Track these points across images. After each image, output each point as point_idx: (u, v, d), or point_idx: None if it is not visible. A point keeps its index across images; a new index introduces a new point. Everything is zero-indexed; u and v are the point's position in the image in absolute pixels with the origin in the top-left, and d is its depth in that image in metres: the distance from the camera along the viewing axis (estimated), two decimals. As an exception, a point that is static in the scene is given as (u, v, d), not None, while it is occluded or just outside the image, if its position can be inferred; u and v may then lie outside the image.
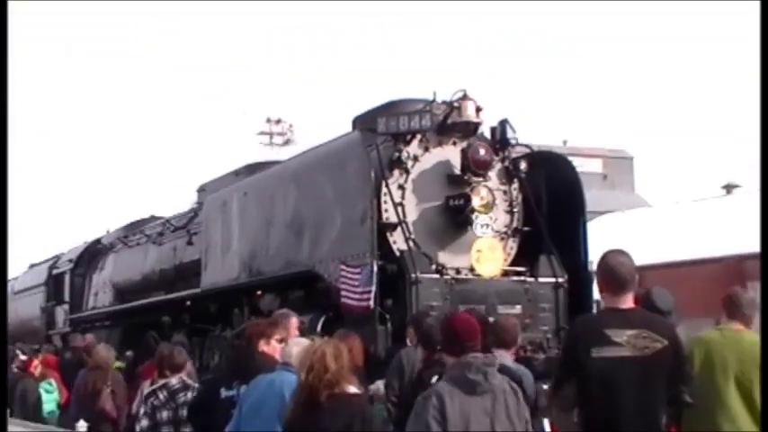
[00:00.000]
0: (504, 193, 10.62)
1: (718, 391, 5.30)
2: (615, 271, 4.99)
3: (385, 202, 9.85)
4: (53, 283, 21.48)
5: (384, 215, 9.83)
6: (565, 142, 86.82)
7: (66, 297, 20.47)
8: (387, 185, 9.83)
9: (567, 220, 10.60)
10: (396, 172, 10.03)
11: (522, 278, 10.11)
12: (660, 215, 40.14)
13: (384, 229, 9.78)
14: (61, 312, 20.75)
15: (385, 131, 10.06)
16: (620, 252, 5.24)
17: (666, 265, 30.53)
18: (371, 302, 9.01)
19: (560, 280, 10.10)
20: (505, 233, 10.54)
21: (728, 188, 41.60)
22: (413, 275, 9.22)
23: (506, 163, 10.68)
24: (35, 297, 22.79)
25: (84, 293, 19.73)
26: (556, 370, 5.21)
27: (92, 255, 20.04)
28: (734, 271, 28.50)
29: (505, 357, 6.38)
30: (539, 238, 10.51)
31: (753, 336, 5.49)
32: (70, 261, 20.73)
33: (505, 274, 10.19)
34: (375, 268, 9.10)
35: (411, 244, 9.77)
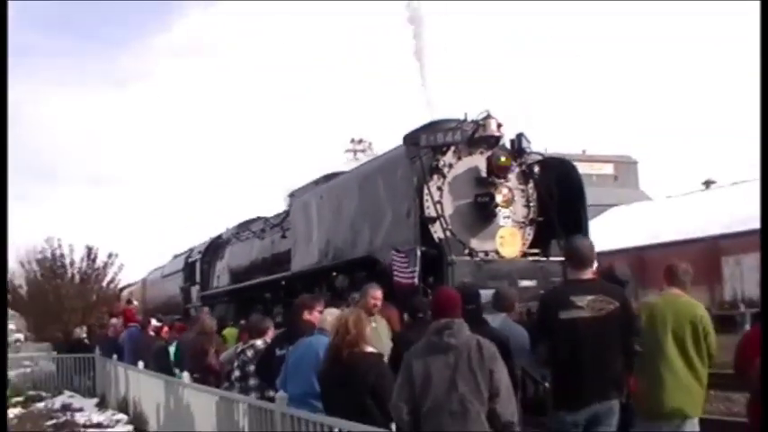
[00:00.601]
0: (522, 191, 10.28)
1: (658, 343, 5.26)
2: (579, 250, 5.21)
3: (426, 200, 9.54)
4: (188, 269, 21.62)
5: (426, 211, 9.52)
6: (584, 151, 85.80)
7: (198, 279, 20.57)
8: (428, 187, 9.53)
9: (572, 211, 10.13)
10: (435, 176, 9.72)
11: (537, 258, 9.73)
12: (656, 207, 39.23)
13: (426, 221, 9.46)
14: (194, 291, 20.87)
15: (426, 144, 9.77)
16: (583, 237, 5.74)
17: (659, 245, 29.77)
18: (416, 280, 8.71)
19: (568, 258, 9.61)
20: (524, 223, 10.22)
21: (708, 183, 40.89)
22: (449, 258, 8.91)
23: (523, 167, 10.30)
24: (176, 280, 22.99)
25: (210, 276, 19.77)
26: (533, 331, 5.35)
27: (215, 247, 20.05)
28: (711, 248, 27.81)
29: (499, 319, 6.22)
30: (550, 226, 10.08)
31: (687, 299, 5.46)
32: (200, 252, 20.83)
33: (524, 255, 9.87)
34: (418, 253, 8.81)
35: (448, 233, 9.51)
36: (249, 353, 7.55)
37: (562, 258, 9.61)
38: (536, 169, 10.30)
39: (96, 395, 14.06)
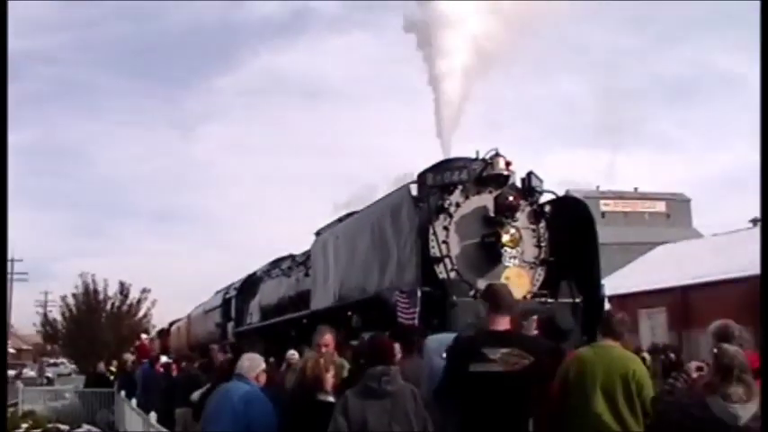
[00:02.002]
0: (533, 230, 9.97)
1: (586, 399, 4.76)
2: (497, 296, 4.91)
3: (432, 240, 9.36)
4: (225, 306, 21.77)
5: (432, 251, 9.33)
6: (636, 189, 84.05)
7: (233, 315, 20.68)
8: (433, 227, 9.39)
9: (585, 253, 9.80)
10: (441, 216, 9.54)
11: (545, 300, 9.38)
12: (702, 245, 38.18)
13: (432, 262, 9.27)
14: (230, 327, 20.95)
15: (432, 184, 9.69)
16: (502, 285, 5.19)
17: (706, 284, 28.89)
18: (416, 320, 8.48)
19: (577, 300, 9.32)
20: (534, 263, 9.87)
21: (755, 221, 39.60)
22: (452, 299, 8.67)
23: (534, 206, 10.01)
24: (215, 316, 23.16)
25: (244, 313, 19.81)
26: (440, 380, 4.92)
27: (250, 284, 20.12)
28: (756, 287, 26.76)
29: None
30: (562, 267, 9.77)
31: (621, 351, 4.98)
32: (235, 289, 20.97)
33: (534, 296, 9.53)
34: (419, 293, 8.61)
35: (454, 274, 9.32)
36: None
37: (570, 300, 9.43)
38: (547, 209, 10.01)
39: (115, 430, 14.13)
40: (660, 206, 76.89)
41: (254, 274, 20.21)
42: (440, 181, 9.65)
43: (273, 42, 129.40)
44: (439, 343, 5.63)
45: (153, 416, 8.48)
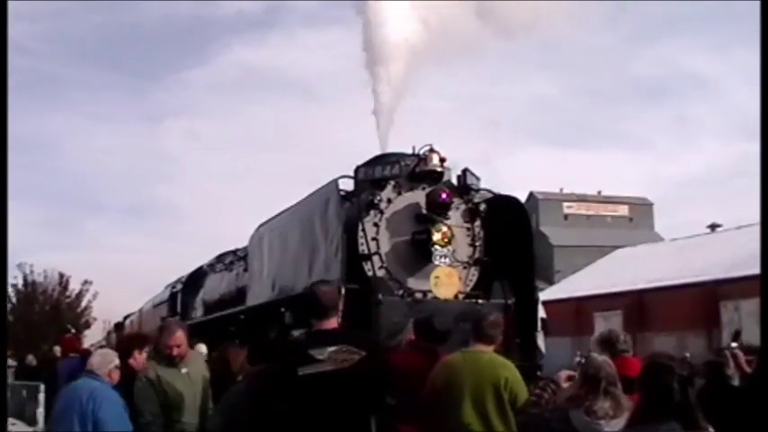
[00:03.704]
0: (468, 229, 9.65)
1: (454, 408, 4.53)
2: (319, 299, 4.71)
3: (361, 236, 9.03)
4: (171, 300, 21.18)
5: (360, 248, 9.00)
6: (599, 192, 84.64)
7: (179, 310, 20.08)
8: (362, 223, 9.05)
9: (520, 253, 9.57)
10: (372, 212, 9.18)
11: (476, 300, 9.08)
12: (660, 249, 38.37)
13: (360, 258, 8.96)
14: (174, 323, 20.41)
15: (363, 178, 9.39)
16: (323, 283, 5.04)
17: (662, 288, 28.98)
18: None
19: (509, 302, 9.03)
20: (468, 263, 9.56)
21: (713, 227, 39.97)
22: (378, 297, 8.37)
23: (470, 204, 9.69)
24: (162, 309, 22.57)
25: (189, 309, 19.29)
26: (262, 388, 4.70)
27: (195, 278, 19.55)
28: (710, 293, 26.95)
29: None
30: (497, 267, 9.48)
31: (491, 357, 4.74)
32: (181, 283, 20.40)
33: (467, 296, 9.26)
34: (342, 291, 8.23)
35: (384, 272, 9.02)
36: None
37: (502, 301, 9.16)
38: (482, 207, 9.66)
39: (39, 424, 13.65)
40: (623, 210, 77.61)
41: (201, 267, 19.71)
42: (371, 175, 9.32)
43: (246, 37, 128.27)
44: None
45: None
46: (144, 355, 5.87)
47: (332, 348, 4.33)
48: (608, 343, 4.57)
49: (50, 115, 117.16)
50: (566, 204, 74.45)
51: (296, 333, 8.28)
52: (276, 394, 4.43)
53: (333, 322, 4.70)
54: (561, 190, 76.03)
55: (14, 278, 25.62)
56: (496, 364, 4.67)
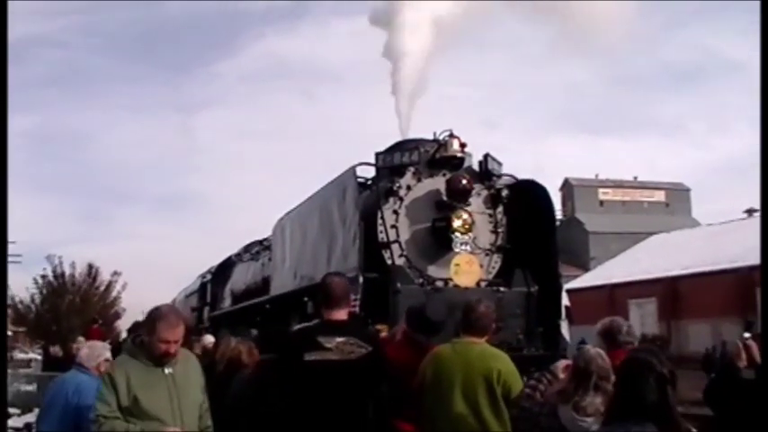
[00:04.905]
0: (490, 215, 9.44)
1: (444, 400, 4.40)
2: (330, 289, 4.72)
3: (380, 224, 8.86)
4: (201, 290, 21.35)
5: (380, 236, 8.84)
6: (635, 178, 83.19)
7: (209, 300, 20.26)
8: (381, 211, 8.88)
9: (543, 239, 9.33)
10: (391, 199, 9.01)
11: (497, 288, 8.85)
12: (696, 235, 37.61)
13: (380, 247, 8.80)
14: (205, 312, 20.55)
15: (383, 165, 9.16)
16: (336, 274, 5.02)
17: (696, 275, 28.37)
18: (357, 308, 7.99)
19: (532, 290, 8.84)
20: (490, 250, 9.36)
21: (750, 212, 38.95)
22: (396, 286, 8.23)
23: (492, 191, 9.46)
24: (193, 299, 22.74)
25: (218, 298, 19.37)
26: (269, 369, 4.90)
27: (224, 268, 19.63)
28: (746, 279, 26.31)
29: None
30: (520, 254, 9.27)
31: (483, 349, 4.56)
32: (211, 273, 20.55)
33: (489, 284, 9.00)
34: (361, 280, 8.12)
35: (403, 260, 8.84)
36: None
37: (525, 289, 8.94)
38: (504, 193, 9.43)
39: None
40: (660, 195, 76.26)
41: (230, 257, 19.76)
42: (390, 162, 9.10)
43: (277, 27, 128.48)
44: None
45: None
46: None
47: (340, 339, 4.46)
48: (609, 333, 4.32)
49: (85, 108, 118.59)
50: (601, 190, 73.38)
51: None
52: (281, 375, 4.63)
53: (343, 313, 4.74)
54: (597, 176, 74.98)
55: (43, 269, 25.94)
56: (488, 355, 4.46)
